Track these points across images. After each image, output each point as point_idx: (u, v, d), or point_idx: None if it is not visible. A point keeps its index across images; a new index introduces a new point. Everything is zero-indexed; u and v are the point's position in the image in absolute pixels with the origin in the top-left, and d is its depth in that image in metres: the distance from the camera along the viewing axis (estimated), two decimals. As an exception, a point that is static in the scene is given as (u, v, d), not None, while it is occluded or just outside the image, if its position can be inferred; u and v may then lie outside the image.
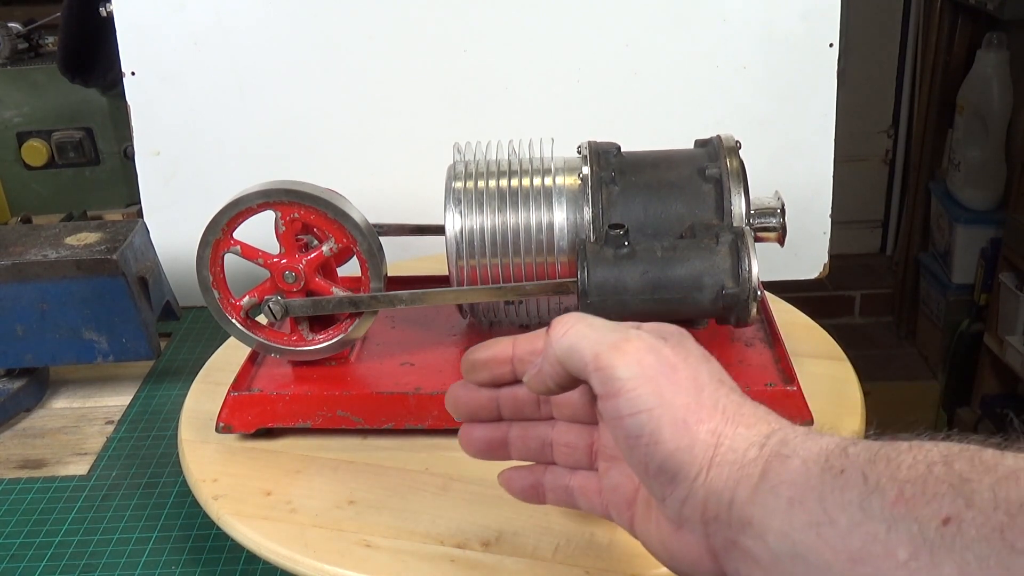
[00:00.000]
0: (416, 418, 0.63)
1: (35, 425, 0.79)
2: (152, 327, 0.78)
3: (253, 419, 0.64)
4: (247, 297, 0.65)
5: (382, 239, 0.65)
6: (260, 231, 0.64)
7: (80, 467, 0.73)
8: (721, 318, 0.61)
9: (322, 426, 0.64)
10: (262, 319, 0.66)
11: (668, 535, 0.40)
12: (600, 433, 0.45)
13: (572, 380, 0.42)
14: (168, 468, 0.72)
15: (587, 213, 0.62)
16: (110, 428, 0.78)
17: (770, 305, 0.74)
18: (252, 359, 0.69)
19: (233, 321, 0.65)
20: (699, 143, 0.67)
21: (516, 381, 0.46)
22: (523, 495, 0.49)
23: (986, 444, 0.32)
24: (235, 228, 0.63)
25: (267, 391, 0.64)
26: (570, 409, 0.46)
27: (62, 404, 0.82)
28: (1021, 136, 2.10)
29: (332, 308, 0.64)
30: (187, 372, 0.82)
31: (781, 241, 0.65)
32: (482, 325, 0.72)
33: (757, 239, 0.64)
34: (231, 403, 0.64)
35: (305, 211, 0.62)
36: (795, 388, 0.61)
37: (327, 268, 0.66)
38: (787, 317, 0.76)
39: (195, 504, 0.61)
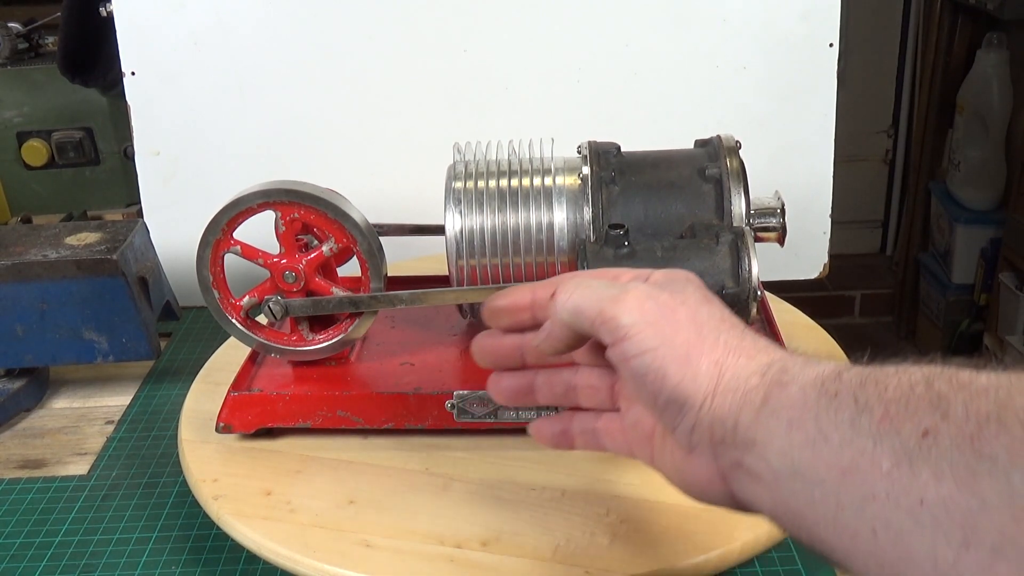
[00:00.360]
0: (416, 418, 0.63)
1: (35, 425, 0.79)
2: (152, 327, 0.78)
3: (253, 419, 0.64)
4: (247, 297, 0.65)
5: (382, 239, 0.65)
6: (260, 231, 0.64)
7: (80, 467, 0.73)
8: None
9: (322, 426, 0.64)
10: (262, 319, 0.66)
11: (681, 462, 0.43)
12: (618, 376, 0.48)
13: (580, 339, 0.45)
14: (168, 468, 0.72)
15: (587, 213, 0.62)
16: (110, 428, 0.78)
17: (770, 305, 0.74)
18: (252, 359, 0.69)
19: (233, 321, 0.65)
20: (699, 143, 0.67)
21: (537, 326, 0.48)
22: (553, 442, 0.51)
23: (964, 367, 0.34)
24: (235, 228, 0.63)
25: (267, 391, 0.64)
26: (590, 355, 0.49)
27: (62, 404, 0.82)
28: (1021, 136, 2.10)
29: (332, 308, 0.64)
30: (187, 372, 0.82)
31: (781, 241, 0.66)
32: (482, 325, 0.71)
33: (757, 239, 0.64)
34: (231, 403, 0.64)
35: (305, 211, 0.62)
36: None
37: (327, 268, 0.66)
38: (787, 317, 0.76)
39: (195, 504, 0.61)
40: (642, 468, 0.59)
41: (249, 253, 0.63)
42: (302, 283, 0.64)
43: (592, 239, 0.62)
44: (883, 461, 0.33)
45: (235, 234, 0.63)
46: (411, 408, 0.63)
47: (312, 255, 0.63)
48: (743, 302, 0.58)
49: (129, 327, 0.76)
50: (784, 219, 0.65)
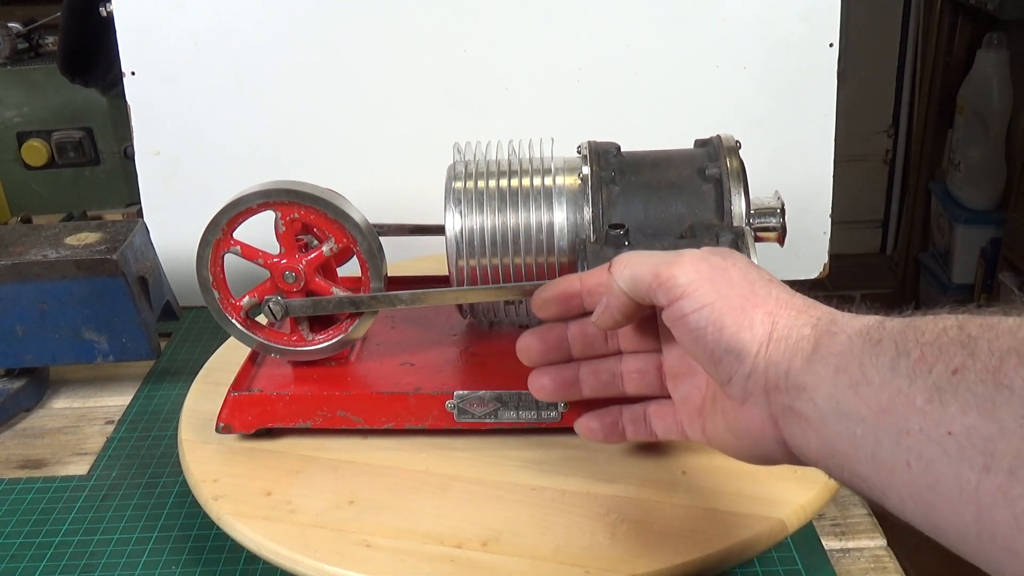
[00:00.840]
0: (416, 418, 0.63)
1: (35, 425, 0.79)
2: (152, 327, 0.78)
3: (253, 419, 0.64)
4: (247, 297, 0.65)
5: (382, 239, 0.65)
6: (260, 231, 0.64)
7: (80, 467, 0.73)
8: None
9: (322, 426, 0.64)
10: (262, 319, 0.66)
11: (735, 416, 0.45)
12: (665, 356, 0.52)
13: (637, 308, 0.48)
14: (168, 468, 0.72)
15: (587, 213, 0.62)
16: (110, 428, 0.78)
17: None
18: (252, 359, 0.69)
19: (233, 321, 0.65)
20: (699, 143, 0.67)
21: (585, 314, 0.52)
22: (604, 434, 0.55)
23: (996, 312, 0.36)
24: (235, 228, 0.63)
25: (267, 391, 0.64)
26: (636, 339, 0.52)
27: (62, 404, 0.82)
28: (1021, 136, 2.10)
29: (332, 308, 0.64)
30: (187, 372, 0.82)
31: (781, 241, 0.65)
32: (482, 325, 0.72)
33: (757, 239, 0.64)
34: (231, 403, 0.64)
35: (305, 211, 0.62)
36: None
37: (327, 268, 0.66)
38: (787, 317, 0.76)
39: (195, 504, 0.61)
40: (643, 468, 0.59)
41: (249, 253, 0.63)
42: (302, 283, 0.63)
43: (592, 239, 0.62)
44: (917, 398, 0.35)
45: (235, 234, 0.63)
46: (411, 408, 0.63)
47: (312, 255, 0.63)
48: None
49: (129, 327, 0.76)
50: (784, 219, 0.65)
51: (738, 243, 0.58)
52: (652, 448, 0.61)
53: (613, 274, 0.48)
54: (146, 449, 0.75)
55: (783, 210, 0.65)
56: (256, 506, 0.58)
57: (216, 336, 0.91)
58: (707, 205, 0.62)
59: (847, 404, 0.38)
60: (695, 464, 0.59)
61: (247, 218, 0.62)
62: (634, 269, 0.47)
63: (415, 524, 0.56)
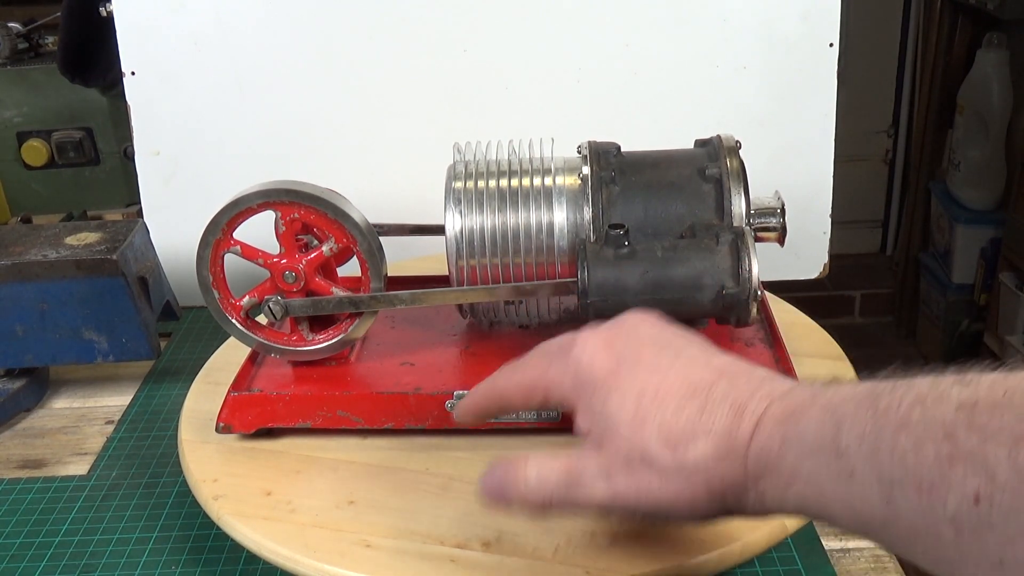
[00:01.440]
0: (416, 418, 0.63)
1: (35, 425, 0.79)
2: (152, 327, 0.78)
3: (253, 419, 0.64)
4: (247, 297, 0.65)
5: (382, 239, 0.65)
6: (260, 231, 0.64)
7: (80, 467, 0.73)
8: (721, 318, 0.61)
9: (322, 426, 0.64)
10: (262, 319, 0.66)
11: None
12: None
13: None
14: (168, 468, 0.72)
15: (587, 213, 0.62)
16: (110, 428, 0.78)
17: (770, 305, 0.74)
18: (252, 359, 0.69)
19: (233, 321, 0.65)
20: (699, 143, 0.67)
21: None
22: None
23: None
24: (235, 228, 0.63)
25: (267, 391, 0.64)
26: None
27: (62, 404, 0.82)
28: (1021, 136, 2.10)
29: (332, 308, 0.64)
30: (187, 372, 0.82)
31: (781, 241, 0.66)
32: (482, 325, 0.72)
33: (757, 239, 0.64)
34: (231, 403, 0.64)
35: (305, 211, 0.62)
36: None
37: (327, 268, 0.66)
38: (787, 317, 0.76)
39: (195, 504, 0.61)
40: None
41: (249, 253, 0.63)
42: (302, 283, 0.63)
43: (592, 239, 0.62)
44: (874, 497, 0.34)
45: (235, 234, 0.63)
46: (411, 408, 0.63)
47: (312, 255, 0.63)
48: (743, 302, 0.58)
49: (129, 327, 0.76)
50: (784, 219, 0.65)
51: (738, 243, 0.59)
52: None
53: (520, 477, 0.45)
54: (146, 449, 0.75)
55: (783, 210, 0.65)
56: (256, 506, 0.58)
57: (216, 336, 0.91)
58: (707, 205, 0.62)
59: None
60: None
61: (247, 218, 0.62)
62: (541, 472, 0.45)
63: (415, 524, 0.56)
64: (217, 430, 0.64)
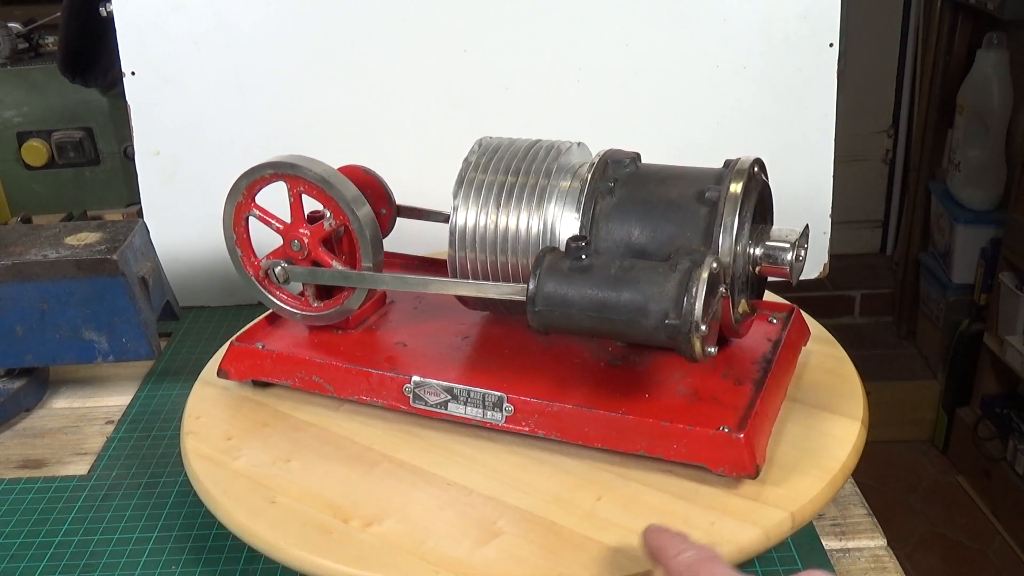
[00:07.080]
0: (376, 395, 0.64)
1: (35, 425, 0.79)
2: (152, 327, 0.78)
3: (245, 370, 0.69)
4: (266, 259, 0.69)
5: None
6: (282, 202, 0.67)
7: (80, 467, 0.73)
8: (669, 349, 0.56)
9: (300, 387, 0.67)
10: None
11: None
12: None
13: None
14: (168, 468, 0.72)
15: (576, 220, 0.61)
16: (110, 428, 0.78)
17: (799, 350, 0.69)
18: (270, 318, 0.72)
19: (251, 277, 0.69)
20: (726, 163, 0.62)
21: None
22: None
23: None
24: (255, 193, 0.67)
25: (262, 347, 0.68)
26: None
27: (62, 404, 0.82)
28: (1021, 136, 2.10)
29: (327, 280, 0.68)
30: (187, 372, 0.82)
31: (791, 278, 0.61)
32: (475, 309, 0.70)
33: (762, 272, 0.60)
34: (230, 352, 0.69)
35: (307, 186, 0.65)
36: (741, 437, 0.55)
37: (338, 242, 0.69)
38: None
39: (195, 504, 0.61)
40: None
41: (265, 218, 0.67)
42: (306, 252, 0.67)
43: (562, 248, 0.60)
44: None
45: (257, 199, 0.67)
46: (373, 385, 0.64)
47: (316, 227, 0.67)
48: (684, 335, 0.53)
49: (129, 327, 0.76)
50: (798, 257, 0.60)
51: (691, 273, 0.54)
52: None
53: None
54: (146, 449, 0.75)
55: (798, 246, 0.60)
56: (213, 447, 0.63)
57: (216, 336, 0.91)
58: (697, 229, 0.59)
59: None
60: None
61: (263, 186, 0.67)
62: None
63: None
64: (218, 375, 0.69)
